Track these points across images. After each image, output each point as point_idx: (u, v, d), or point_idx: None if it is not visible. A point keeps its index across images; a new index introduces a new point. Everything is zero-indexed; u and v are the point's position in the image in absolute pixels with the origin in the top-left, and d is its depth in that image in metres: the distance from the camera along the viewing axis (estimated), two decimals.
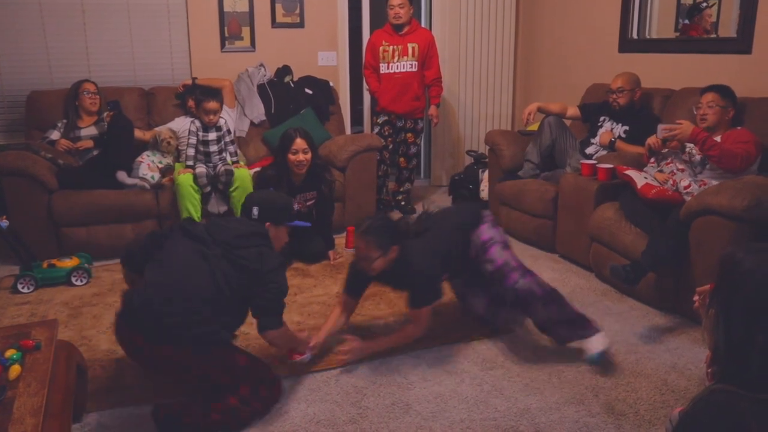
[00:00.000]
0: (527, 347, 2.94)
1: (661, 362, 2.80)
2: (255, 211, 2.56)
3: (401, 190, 5.21)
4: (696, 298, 1.81)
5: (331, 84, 5.31)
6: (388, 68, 4.89)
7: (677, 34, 4.46)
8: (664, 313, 3.27)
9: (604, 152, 4.16)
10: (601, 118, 4.32)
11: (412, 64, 4.89)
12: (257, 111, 4.97)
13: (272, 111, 5.00)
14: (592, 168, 3.85)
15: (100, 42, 4.84)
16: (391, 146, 5.10)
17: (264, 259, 2.35)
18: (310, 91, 5.09)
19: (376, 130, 5.04)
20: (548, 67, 5.72)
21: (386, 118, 5.01)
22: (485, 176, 5.21)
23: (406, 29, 4.86)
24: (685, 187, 3.35)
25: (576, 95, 5.00)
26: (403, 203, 5.20)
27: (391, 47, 4.86)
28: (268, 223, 2.56)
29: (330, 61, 5.50)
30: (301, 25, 5.35)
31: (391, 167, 5.18)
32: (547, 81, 5.74)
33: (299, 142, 3.80)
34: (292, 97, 5.04)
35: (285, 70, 5.17)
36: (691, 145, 3.51)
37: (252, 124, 4.99)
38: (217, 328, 2.27)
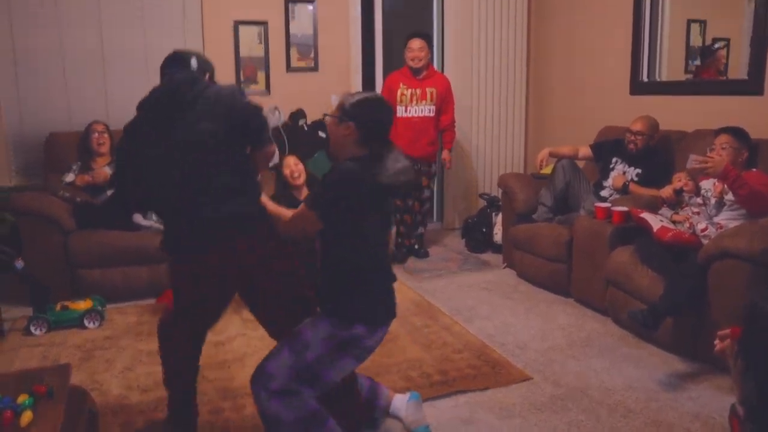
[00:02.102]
0: (545, 395, 2.87)
1: (684, 411, 2.72)
2: (193, 62, 2.28)
3: (415, 233, 5.17)
4: (717, 342, 1.76)
5: None
6: (405, 111, 4.86)
7: (687, 76, 4.47)
8: (685, 358, 3.20)
9: (618, 195, 4.14)
10: (613, 160, 4.31)
11: (429, 109, 4.88)
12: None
13: (286, 154, 4.96)
14: (607, 211, 3.82)
15: (118, 85, 4.88)
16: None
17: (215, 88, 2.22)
18: (323, 135, 5.09)
19: None
20: (560, 110, 5.74)
21: None
22: (498, 219, 5.18)
23: (424, 73, 4.86)
24: (702, 230, 3.31)
25: (588, 138, 4.99)
26: (416, 246, 5.15)
27: (409, 90, 4.85)
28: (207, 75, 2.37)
29: None
30: (315, 69, 5.41)
31: (405, 212, 5.11)
32: (559, 124, 5.76)
33: (288, 158, 3.92)
34: (305, 141, 5.05)
35: (299, 114, 5.19)
36: (708, 188, 3.49)
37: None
38: (252, 191, 2.19)
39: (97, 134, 4.39)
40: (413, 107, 4.86)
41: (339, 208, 2.02)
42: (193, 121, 2.12)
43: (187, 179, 2.11)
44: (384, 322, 2.13)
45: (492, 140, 5.99)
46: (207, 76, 2.35)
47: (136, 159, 2.17)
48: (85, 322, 3.66)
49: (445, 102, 4.95)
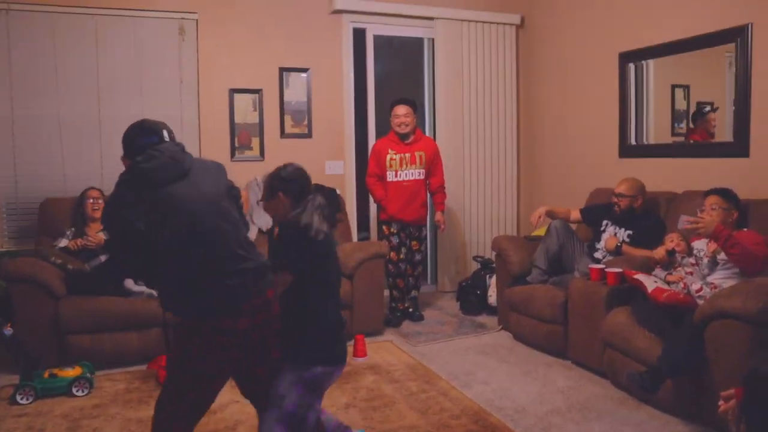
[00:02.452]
0: None
1: None
2: (165, 134, 2.27)
3: (409, 297, 5.13)
4: (721, 402, 1.74)
5: (338, 191, 5.26)
6: (395, 176, 4.90)
7: (674, 138, 4.56)
8: (686, 420, 3.14)
9: (611, 257, 4.14)
10: (604, 222, 4.34)
11: (420, 172, 4.93)
12: (265, 219, 4.88)
13: (274, 226, 4.98)
14: (601, 272, 3.82)
15: (114, 153, 4.87)
16: (402, 256, 5.03)
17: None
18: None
19: (395, 240, 4.97)
20: (551, 173, 5.80)
21: (398, 226, 4.96)
22: (493, 282, 5.16)
23: (411, 138, 4.93)
24: (697, 290, 3.32)
25: (580, 200, 5.04)
26: (410, 310, 5.11)
27: (398, 155, 4.89)
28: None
29: (337, 170, 5.58)
30: (308, 135, 5.48)
31: (398, 276, 5.08)
32: (550, 186, 5.82)
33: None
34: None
35: None
36: (700, 247, 3.50)
37: (260, 231, 4.97)
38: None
39: (92, 200, 4.42)
40: (403, 171, 4.91)
41: (305, 260, 2.21)
42: (199, 186, 2.17)
43: (222, 236, 2.16)
44: (342, 361, 2.34)
45: (484, 202, 6.02)
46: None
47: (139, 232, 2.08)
48: (74, 389, 3.58)
49: (433, 165, 4.99)
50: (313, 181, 5.31)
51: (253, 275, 2.19)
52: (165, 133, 2.25)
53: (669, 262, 3.68)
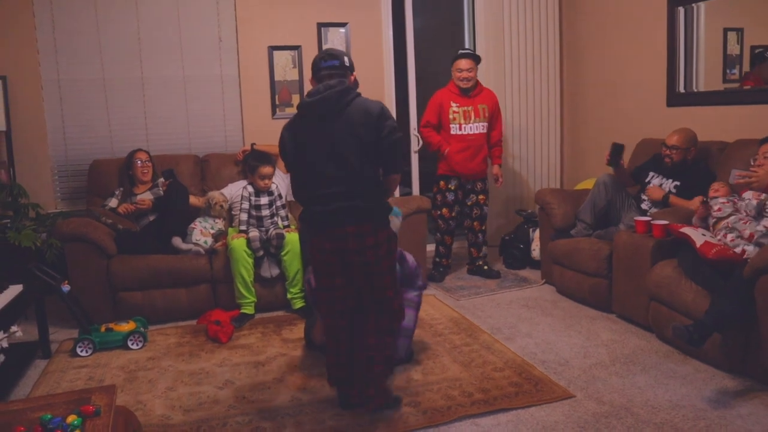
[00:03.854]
0: (588, 413, 2.82)
1: (734, 429, 2.64)
2: (346, 60, 2.75)
3: (480, 254, 5.09)
4: None
5: None
6: (460, 129, 4.82)
7: (726, 85, 4.39)
8: (733, 375, 3.11)
9: (657, 209, 4.08)
10: (650, 174, 4.27)
11: (483, 126, 4.87)
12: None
13: None
14: (647, 225, 3.76)
15: (157, 113, 5.04)
16: (454, 213, 5.00)
17: None
18: None
19: (451, 196, 4.93)
20: (596, 125, 5.68)
21: (457, 182, 4.92)
22: (536, 235, 5.15)
23: (474, 91, 4.88)
24: (750, 236, 3.21)
25: (626, 151, 4.93)
26: (485, 267, 5.08)
27: (462, 109, 4.81)
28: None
29: None
30: None
31: (446, 233, 5.04)
32: (595, 139, 5.70)
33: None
34: None
35: None
36: (748, 197, 3.39)
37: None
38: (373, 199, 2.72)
39: (140, 163, 4.51)
40: (468, 125, 4.83)
41: None
42: (340, 132, 2.58)
43: (333, 175, 2.62)
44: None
45: (527, 156, 5.95)
46: (353, 77, 2.75)
47: (298, 152, 2.67)
48: (129, 343, 3.71)
49: (494, 118, 4.95)
50: None
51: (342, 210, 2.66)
52: (345, 59, 2.71)
53: (706, 213, 3.56)
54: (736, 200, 3.46)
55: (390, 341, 2.83)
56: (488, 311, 4.24)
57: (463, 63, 4.79)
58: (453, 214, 4.98)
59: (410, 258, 3.34)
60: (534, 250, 5.18)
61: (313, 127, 2.64)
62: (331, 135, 2.60)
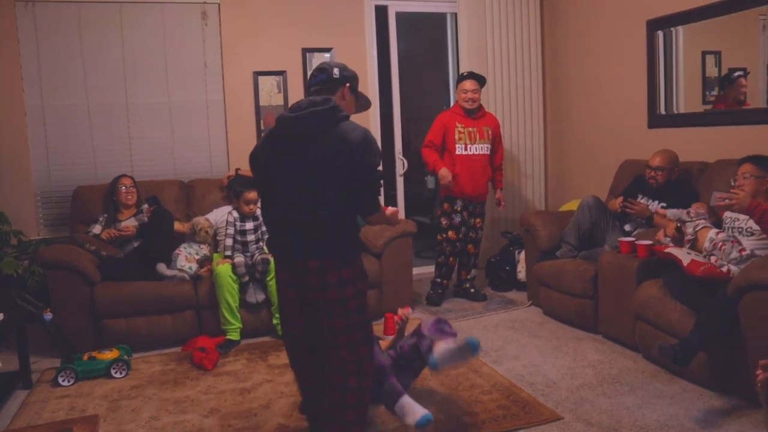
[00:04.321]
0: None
1: None
2: (335, 72, 2.51)
3: (469, 277, 5.08)
4: (759, 371, 1.70)
5: None
6: (466, 150, 4.78)
7: (705, 107, 4.44)
8: (720, 394, 3.11)
9: (642, 229, 4.09)
10: (638, 197, 4.28)
11: (487, 147, 4.85)
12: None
13: None
14: (631, 245, 3.77)
15: (142, 139, 5.04)
16: (461, 235, 4.96)
17: None
18: None
19: (458, 218, 4.89)
20: (579, 146, 5.72)
21: (462, 203, 4.87)
22: (522, 257, 5.13)
23: (478, 113, 4.86)
24: (741, 251, 3.20)
25: (608, 173, 4.96)
26: (472, 290, 5.06)
27: (467, 130, 4.79)
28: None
29: None
30: None
31: (451, 255, 5.01)
32: (578, 160, 5.73)
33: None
34: None
35: None
36: (734, 216, 3.42)
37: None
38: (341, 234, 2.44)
39: (125, 189, 4.49)
40: (473, 145, 4.80)
41: None
42: (314, 156, 2.32)
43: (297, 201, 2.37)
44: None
45: (512, 178, 5.96)
46: (347, 87, 2.51)
47: (268, 170, 2.43)
48: (112, 371, 3.66)
49: (497, 141, 4.95)
50: None
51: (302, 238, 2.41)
52: (335, 71, 2.48)
53: (678, 239, 3.57)
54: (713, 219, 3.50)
55: (366, 386, 2.48)
56: (475, 334, 4.23)
57: (468, 84, 4.79)
58: (460, 236, 4.94)
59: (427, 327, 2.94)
60: (520, 272, 5.17)
61: (287, 146, 2.38)
62: (305, 158, 2.33)
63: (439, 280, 5.02)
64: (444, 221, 4.90)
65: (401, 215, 5.78)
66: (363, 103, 2.65)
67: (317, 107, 2.35)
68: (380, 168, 2.41)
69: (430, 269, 5.75)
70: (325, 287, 2.36)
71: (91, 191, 4.64)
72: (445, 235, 4.89)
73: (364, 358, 2.45)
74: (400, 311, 3.22)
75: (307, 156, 2.33)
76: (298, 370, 2.65)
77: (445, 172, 4.73)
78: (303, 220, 2.35)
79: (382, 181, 2.55)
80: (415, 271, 5.42)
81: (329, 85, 2.47)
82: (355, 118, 2.73)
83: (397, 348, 3.00)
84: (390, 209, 2.65)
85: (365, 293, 2.48)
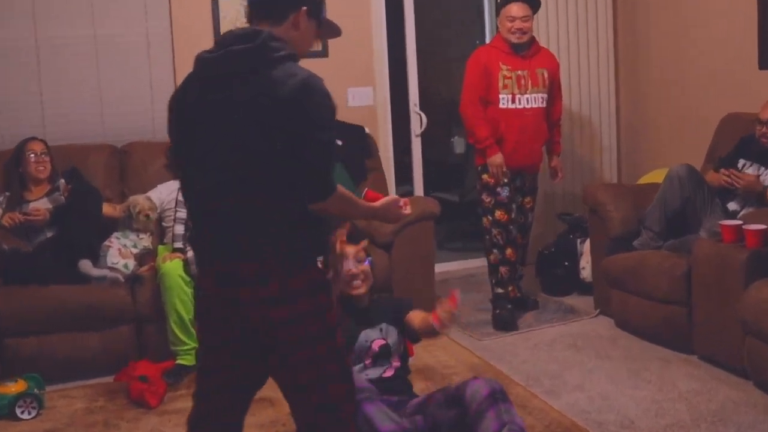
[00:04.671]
0: None
1: None
2: None
3: (516, 275, 5.02)
4: None
5: (367, 130, 5.39)
6: (513, 102, 4.69)
7: None
8: None
9: (752, 209, 4.11)
10: (741, 163, 4.29)
11: (543, 98, 4.77)
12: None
13: None
14: (737, 231, 3.76)
15: (58, 88, 5.01)
16: (513, 215, 4.88)
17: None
18: (339, 142, 4.94)
19: (505, 192, 4.75)
20: (661, 98, 5.73)
21: (509, 173, 4.74)
22: (586, 248, 5.17)
23: (529, 50, 4.78)
24: None
25: (705, 132, 4.93)
26: (518, 295, 4.99)
27: (515, 73, 4.70)
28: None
29: (364, 99, 5.57)
30: (323, 53, 5.41)
31: (507, 244, 4.87)
32: (661, 115, 5.74)
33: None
34: None
35: None
36: None
37: None
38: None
39: (34, 157, 4.45)
40: (524, 95, 4.72)
41: None
42: (240, 112, 2.14)
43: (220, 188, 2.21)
44: None
45: (572, 139, 5.97)
46: (302, 11, 2.26)
47: (183, 134, 2.29)
48: (18, 411, 3.62)
49: (554, 87, 4.90)
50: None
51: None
52: None
53: None
54: None
55: None
56: (522, 355, 4.24)
57: (516, 9, 4.67)
58: (512, 215, 4.83)
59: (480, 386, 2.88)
60: (583, 268, 5.22)
61: (207, 96, 2.20)
62: (228, 116, 2.15)
63: (501, 290, 4.86)
64: (487, 199, 4.80)
65: (419, 190, 5.82)
66: (328, 32, 2.49)
67: (239, 45, 2.16)
68: (333, 135, 2.23)
69: (461, 265, 5.90)
70: (262, 304, 2.17)
71: None
72: (491, 218, 4.79)
73: (342, 424, 2.30)
74: (450, 298, 2.89)
75: (231, 114, 2.15)
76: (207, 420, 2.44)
77: (499, 160, 4.64)
78: (230, 204, 2.18)
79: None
80: (439, 268, 5.35)
81: (268, 10, 2.25)
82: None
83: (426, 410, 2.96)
84: (388, 198, 2.52)
85: (332, 313, 2.27)
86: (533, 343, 4.39)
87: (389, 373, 3.05)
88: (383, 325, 3.13)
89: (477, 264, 5.69)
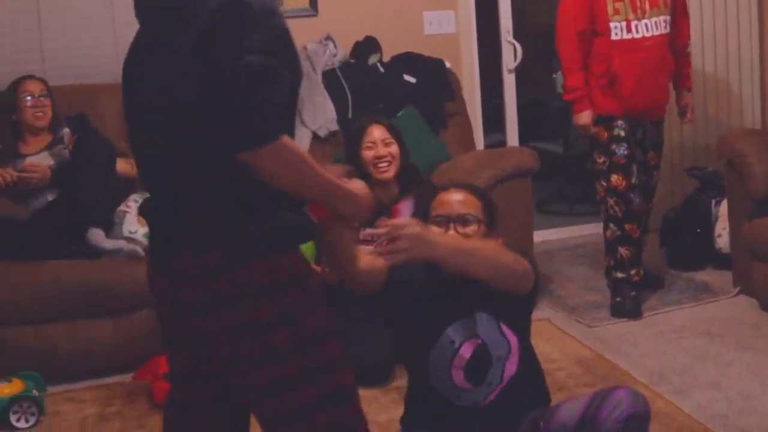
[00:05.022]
0: None
1: None
2: None
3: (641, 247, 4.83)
4: None
5: (448, 65, 5.27)
6: (629, 31, 4.50)
7: None
8: None
9: None
10: None
11: (665, 21, 4.57)
12: (324, 116, 4.96)
13: (349, 114, 4.97)
14: None
15: (61, 15, 5.00)
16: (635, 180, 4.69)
17: None
18: (412, 79, 5.10)
19: (623, 149, 4.56)
20: None
21: (626, 124, 4.58)
22: (722, 211, 5.08)
23: None
24: None
25: None
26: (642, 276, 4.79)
27: None
28: None
29: (444, 26, 5.48)
30: None
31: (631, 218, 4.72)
32: None
33: (376, 130, 4.09)
34: (382, 90, 5.05)
35: (369, 46, 5.19)
36: None
37: (316, 138, 5.00)
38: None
39: (30, 99, 4.39)
40: (641, 22, 4.52)
41: None
42: (167, 52, 2.02)
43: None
44: None
45: (705, 80, 5.80)
46: None
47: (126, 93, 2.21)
48: (12, 418, 3.56)
49: (678, 7, 4.71)
50: (404, 49, 5.42)
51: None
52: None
53: None
54: None
55: None
56: (644, 345, 4.17)
57: None
58: (632, 181, 4.59)
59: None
60: (719, 236, 5.10)
61: (141, 44, 2.15)
62: (159, 53, 2.06)
63: (621, 274, 4.69)
64: (599, 159, 4.60)
65: (512, 140, 5.71)
66: None
67: None
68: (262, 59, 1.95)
69: (567, 233, 5.94)
70: (205, 309, 2.02)
71: None
72: (605, 183, 4.59)
73: None
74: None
75: (161, 50, 2.03)
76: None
77: (585, 120, 4.55)
78: (163, 180, 2.09)
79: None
80: (539, 236, 5.35)
81: None
82: None
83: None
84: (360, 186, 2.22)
85: (312, 314, 2.06)
86: (657, 330, 4.34)
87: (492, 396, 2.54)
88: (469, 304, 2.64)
89: (586, 231, 5.73)
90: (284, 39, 1.96)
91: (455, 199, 2.60)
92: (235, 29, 1.91)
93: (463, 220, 2.53)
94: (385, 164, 4.01)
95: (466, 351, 2.49)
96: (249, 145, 1.91)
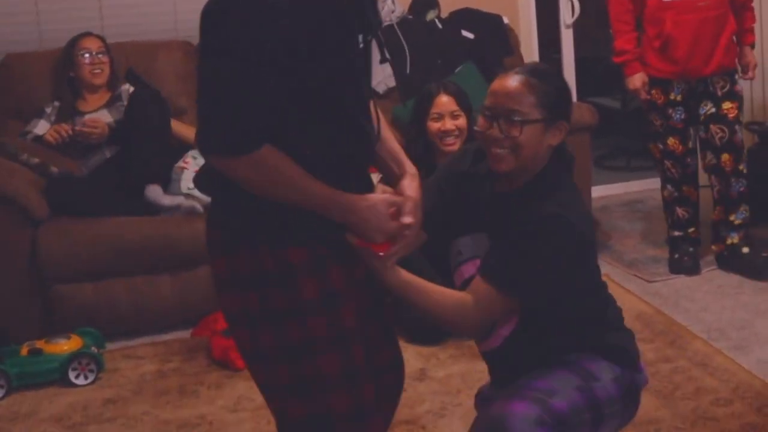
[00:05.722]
0: None
1: None
2: None
3: (735, 221, 4.58)
4: None
5: (506, 20, 5.20)
6: None
7: None
8: None
9: None
10: None
11: None
12: (381, 73, 4.88)
13: (407, 71, 4.93)
14: None
15: None
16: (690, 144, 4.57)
17: None
18: (470, 35, 5.07)
19: (679, 115, 4.43)
20: None
21: (683, 87, 4.41)
22: None
23: None
24: None
25: None
26: (745, 250, 4.54)
27: None
28: None
29: None
30: None
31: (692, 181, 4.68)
32: None
33: (444, 101, 4.03)
34: (439, 47, 5.01)
35: (427, 2, 5.15)
36: None
37: (374, 94, 4.73)
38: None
39: (89, 56, 4.35)
40: None
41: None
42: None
43: None
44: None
45: (763, 29, 5.52)
46: None
47: None
48: (71, 375, 3.52)
49: None
50: (462, 5, 5.46)
51: None
52: None
53: None
54: None
55: None
56: (703, 301, 4.13)
57: None
58: (689, 145, 4.50)
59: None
60: None
61: None
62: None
63: (677, 232, 4.61)
64: (656, 121, 4.45)
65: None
66: None
67: None
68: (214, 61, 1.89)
69: (625, 188, 5.83)
70: (217, 286, 2.04)
71: (31, 62, 4.60)
72: (661, 146, 4.46)
73: None
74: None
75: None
76: None
77: (637, 84, 4.44)
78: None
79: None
80: (597, 192, 5.36)
81: None
82: None
83: None
84: (376, 197, 2.01)
85: (299, 316, 1.90)
86: (717, 285, 4.30)
87: (495, 343, 2.22)
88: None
89: (644, 186, 5.67)
90: (284, 39, 1.80)
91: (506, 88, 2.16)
92: (205, 35, 1.88)
93: (508, 114, 2.13)
94: (452, 138, 3.99)
95: (468, 269, 2.24)
96: (210, 148, 1.91)
